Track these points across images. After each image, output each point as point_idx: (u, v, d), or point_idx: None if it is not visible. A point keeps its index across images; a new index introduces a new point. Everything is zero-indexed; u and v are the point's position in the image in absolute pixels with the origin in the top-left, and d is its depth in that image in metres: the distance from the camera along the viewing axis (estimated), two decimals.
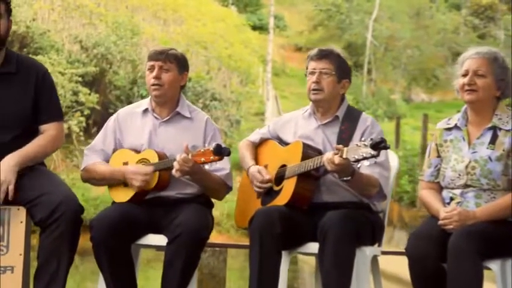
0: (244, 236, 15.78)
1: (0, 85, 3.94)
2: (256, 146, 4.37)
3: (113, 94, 20.68)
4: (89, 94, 18.48)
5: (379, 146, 3.53)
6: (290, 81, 32.48)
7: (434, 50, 34.93)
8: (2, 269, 3.82)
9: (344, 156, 3.67)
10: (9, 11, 3.99)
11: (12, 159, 3.85)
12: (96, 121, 19.11)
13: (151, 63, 4.23)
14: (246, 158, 4.30)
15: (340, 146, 3.73)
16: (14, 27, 19.48)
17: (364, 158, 3.57)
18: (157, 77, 4.19)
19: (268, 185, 4.13)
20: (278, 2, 35.51)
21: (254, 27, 31.82)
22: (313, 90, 4.14)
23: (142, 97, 21.35)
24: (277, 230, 3.84)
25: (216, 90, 22.72)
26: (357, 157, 3.60)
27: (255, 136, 4.40)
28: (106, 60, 20.93)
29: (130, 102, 21.37)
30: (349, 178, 3.83)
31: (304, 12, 37.17)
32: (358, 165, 3.67)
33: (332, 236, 3.73)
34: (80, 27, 21.96)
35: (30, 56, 17.92)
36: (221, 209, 14.85)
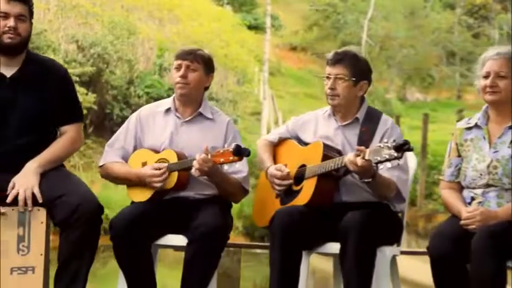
0: (246, 236, 15.81)
1: (22, 86, 3.96)
2: (274, 146, 4.37)
3: (110, 94, 20.64)
4: (86, 94, 18.45)
5: (402, 148, 3.54)
6: (285, 80, 32.49)
7: (429, 49, 35.00)
8: (23, 269, 3.83)
9: (366, 157, 3.68)
10: (31, 14, 4.01)
11: (35, 163, 3.88)
12: (93, 121, 19.11)
13: (179, 62, 4.24)
14: (264, 158, 4.30)
15: (362, 147, 3.74)
16: None
17: (387, 160, 3.58)
18: (183, 76, 4.21)
19: (289, 181, 4.13)
20: (273, 1, 35.51)
21: (250, 27, 31.81)
22: (329, 96, 4.15)
23: (139, 97, 21.41)
24: (298, 230, 3.86)
25: (213, 89, 22.72)
26: (379, 159, 3.61)
27: (273, 135, 4.40)
28: (103, 60, 20.90)
29: (127, 102, 21.43)
30: (369, 180, 3.84)
31: (298, 11, 37.17)
32: (381, 167, 3.68)
33: (353, 236, 3.75)
34: (76, 27, 21.93)
35: None
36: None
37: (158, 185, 4.09)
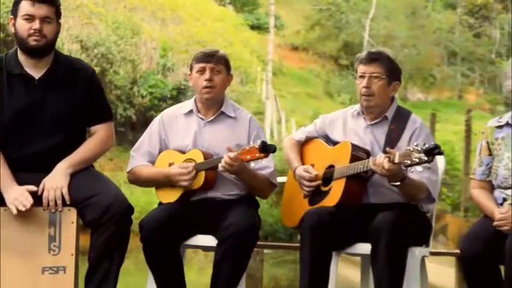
0: None
1: (50, 87, 3.97)
2: (301, 145, 4.38)
3: (114, 94, 20.67)
4: None
5: (433, 152, 3.54)
6: (287, 80, 32.48)
7: (430, 49, 35.02)
8: (55, 269, 3.85)
9: (396, 160, 3.69)
10: (58, 15, 4.02)
11: (65, 164, 3.90)
12: None
13: (202, 65, 4.24)
14: (292, 158, 4.31)
15: (393, 150, 3.74)
16: None
17: (417, 164, 3.58)
18: (210, 79, 4.22)
19: (317, 182, 4.14)
20: (275, 1, 35.54)
21: (252, 27, 31.84)
22: (365, 95, 4.13)
23: (143, 97, 21.43)
24: (328, 231, 3.88)
25: None
26: (409, 162, 3.61)
27: (300, 135, 4.41)
28: (106, 60, 20.94)
29: (130, 102, 21.46)
30: (398, 183, 3.84)
31: (300, 11, 37.16)
32: (412, 170, 3.69)
33: (385, 236, 3.76)
34: (79, 27, 21.96)
35: None
36: None
37: (186, 183, 4.10)
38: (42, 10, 3.90)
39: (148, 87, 21.71)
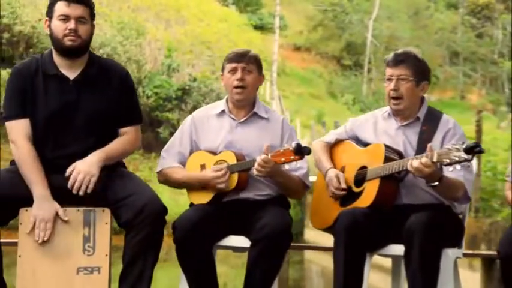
0: None
1: (84, 88, 3.99)
2: (331, 147, 4.38)
3: None
4: None
5: (474, 150, 3.54)
6: (290, 80, 32.51)
7: (433, 49, 35.07)
8: (89, 269, 3.86)
9: (434, 159, 3.69)
10: (93, 16, 4.04)
11: (96, 156, 3.90)
12: None
13: (234, 65, 4.24)
14: (322, 160, 4.31)
15: (431, 149, 3.74)
16: (20, 28, 19.69)
17: (457, 162, 3.58)
18: (241, 79, 4.21)
19: (343, 193, 4.15)
20: (275, 1, 35.55)
21: (255, 27, 31.86)
22: (393, 98, 4.12)
23: (148, 97, 21.45)
24: (362, 232, 3.88)
25: (221, 89, 22.75)
26: (448, 161, 3.61)
27: (330, 137, 4.40)
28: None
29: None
30: (436, 183, 3.83)
31: (302, 12, 37.22)
32: (450, 169, 3.70)
33: (419, 238, 3.75)
34: None
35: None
36: None
37: (223, 185, 4.11)
38: (77, 10, 3.92)
39: (153, 87, 21.74)
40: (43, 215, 3.80)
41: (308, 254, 14.19)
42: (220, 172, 4.12)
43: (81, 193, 3.82)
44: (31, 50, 19.95)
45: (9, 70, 18.79)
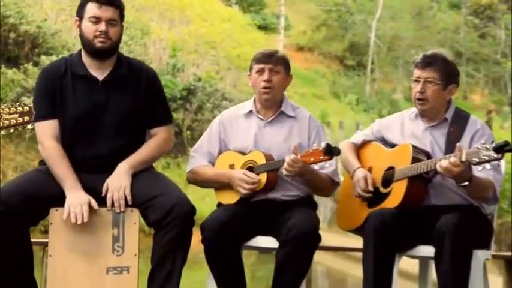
0: None
1: (113, 88, 4.01)
2: (357, 148, 4.38)
3: None
4: None
5: (503, 148, 3.55)
6: (293, 81, 32.43)
7: (436, 49, 34.99)
8: (119, 269, 3.88)
9: (463, 159, 3.70)
10: (122, 17, 4.06)
11: (127, 165, 3.94)
12: None
13: (261, 66, 4.25)
14: (350, 160, 4.31)
15: (461, 151, 3.74)
16: (25, 27, 19.68)
17: (487, 161, 3.59)
18: (269, 80, 4.22)
19: (369, 195, 4.16)
20: (278, 1, 35.54)
21: (259, 27, 31.87)
22: (418, 100, 4.13)
23: None
24: (392, 233, 3.89)
25: (225, 89, 22.79)
26: (477, 160, 3.62)
27: (357, 137, 4.41)
28: None
29: None
30: (466, 184, 3.84)
31: (305, 12, 37.19)
32: (480, 169, 3.70)
33: (449, 239, 3.76)
34: None
35: (41, 56, 17.97)
36: None
37: (245, 192, 4.13)
38: (108, 12, 3.95)
39: None
40: (77, 201, 3.81)
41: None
42: (250, 179, 4.13)
43: (122, 209, 3.87)
44: (36, 49, 19.94)
45: (15, 70, 18.80)
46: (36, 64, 19.18)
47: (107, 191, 3.89)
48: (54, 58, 18.94)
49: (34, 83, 14.70)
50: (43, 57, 19.11)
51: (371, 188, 4.15)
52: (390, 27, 34.97)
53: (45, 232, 3.97)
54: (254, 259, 11.00)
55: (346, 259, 13.84)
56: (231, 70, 24.19)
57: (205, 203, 8.67)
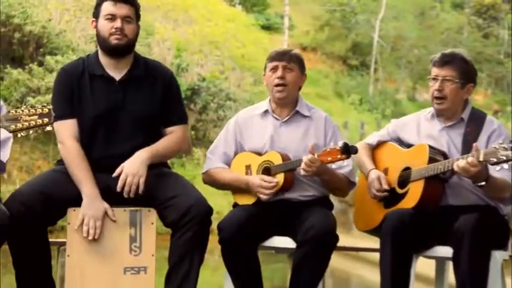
0: None
1: (130, 88, 4.02)
2: (373, 149, 4.38)
3: None
4: None
5: None
6: None
7: (440, 49, 34.98)
8: (136, 269, 3.89)
9: (481, 158, 3.69)
10: (138, 16, 4.07)
11: (145, 154, 3.92)
12: None
13: (275, 63, 4.25)
14: (365, 161, 4.30)
15: (478, 150, 3.74)
16: (30, 28, 19.71)
17: (505, 161, 3.58)
18: (282, 77, 4.21)
19: (384, 194, 4.15)
20: (281, 1, 35.54)
21: (262, 27, 31.86)
22: (436, 98, 4.12)
23: None
24: (409, 233, 3.88)
25: (230, 89, 22.79)
26: (495, 160, 3.61)
27: (372, 138, 4.41)
28: None
29: None
30: (483, 183, 3.84)
31: (308, 12, 37.18)
32: (498, 168, 3.70)
33: (468, 240, 3.75)
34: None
35: (46, 56, 17.96)
36: None
37: (265, 197, 4.12)
38: (123, 10, 3.96)
39: None
40: (92, 213, 3.82)
41: None
42: (269, 184, 4.12)
43: (131, 195, 3.85)
44: (41, 49, 19.99)
45: (20, 70, 18.83)
46: (40, 64, 19.23)
47: (120, 173, 3.86)
48: (58, 58, 19.02)
49: (38, 83, 14.78)
50: (48, 57, 19.17)
51: (386, 187, 4.14)
52: (393, 27, 34.96)
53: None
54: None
55: (350, 259, 13.84)
56: (235, 70, 24.21)
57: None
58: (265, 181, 4.13)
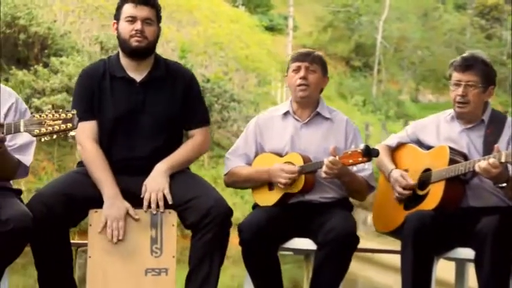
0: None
1: (151, 90, 4.02)
2: (392, 150, 4.38)
3: None
4: None
5: None
6: None
7: (443, 50, 35.01)
8: (157, 270, 3.89)
9: (503, 159, 3.70)
10: (159, 18, 4.08)
11: (164, 165, 3.94)
12: None
13: (298, 64, 4.25)
14: (385, 162, 4.30)
15: (500, 152, 3.74)
16: (35, 29, 19.71)
17: None
18: (304, 78, 4.21)
19: (410, 192, 4.15)
20: (284, 2, 35.55)
21: (266, 28, 31.85)
22: (459, 103, 4.12)
23: None
24: (431, 235, 3.88)
25: (234, 90, 22.77)
26: None
27: (391, 140, 4.41)
28: None
29: None
30: (504, 185, 3.84)
31: (311, 13, 37.17)
32: None
33: (490, 242, 3.75)
34: (99, 28, 22.02)
35: (51, 57, 17.93)
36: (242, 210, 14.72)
37: (285, 181, 4.10)
38: (143, 12, 3.97)
39: None
40: (115, 214, 3.83)
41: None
42: (289, 168, 4.11)
43: (161, 210, 3.88)
44: (46, 51, 19.97)
45: (25, 71, 18.82)
46: (46, 65, 19.22)
47: (145, 193, 3.90)
48: (63, 59, 19.02)
49: (44, 84, 14.71)
50: (53, 59, 19.15)
51: (411, 182, 4.13)
52: (397, 28, 34.94)
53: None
54: None
55: (356, 260, 13.84)
56: (239, 71, 24.20)
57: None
58: (286, 166, 4.12)
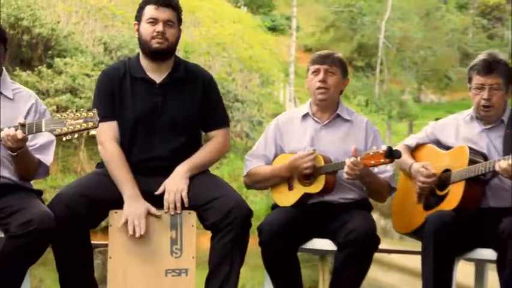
0: None
1: (170, 91, 4.03)
2: (412, 151, 4.36)
3: None
4: None
5: None
6: (302, 82, 32.36)
7: (446, 50, 35.02)
8: (177, 271, 3.90)
9: None
10: (180, 20, 4.07)
11: (184, 168, 3.95)
12: None
13: (317, 66, 4.23)
14: (405, 158, 4.26)
15: None
16: (39, 30, 19.71)
17: None
18: (323, 80, 4.20)
19: (434, 179, 4.11)
20: (286, 3, 35.55)
21: (268, 28, 31.87)
22: (484, 107, 4.10)
23: None
24: (452, 236, 3.86)
25: (237, 91, 22.76)
26: None
27: (410, 140, 4.40)
28: None
29: None
30: None
31: (313, 13, 37.19)
32: None
33: None
34: (102, 29, 22.02)
35: (55, 58, 17.90)
36: None
37: (309, 164, 4.07)
38: (165, 14, 3.97)
39: None
40: (135, 212, 3.83)
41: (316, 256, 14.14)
42: (306, 153, 4.09)
43: (178, 212, 3.88)
44: (50, 52, 19.98)
45: (29, 72, 18.81)
46: (49, 66, 19.22)
47: (163, 192, 3.90)
48: (67, 60, 19.02)
49: (47, 85, 14.67)
50: (56, 59, 19.17)
51: (433, 171, 4.09)
52: (399, 28, 34.94)
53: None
54: None
55: None
56: (243, 72, 24.17)
57: None
58: (302, 153, 4.11)
